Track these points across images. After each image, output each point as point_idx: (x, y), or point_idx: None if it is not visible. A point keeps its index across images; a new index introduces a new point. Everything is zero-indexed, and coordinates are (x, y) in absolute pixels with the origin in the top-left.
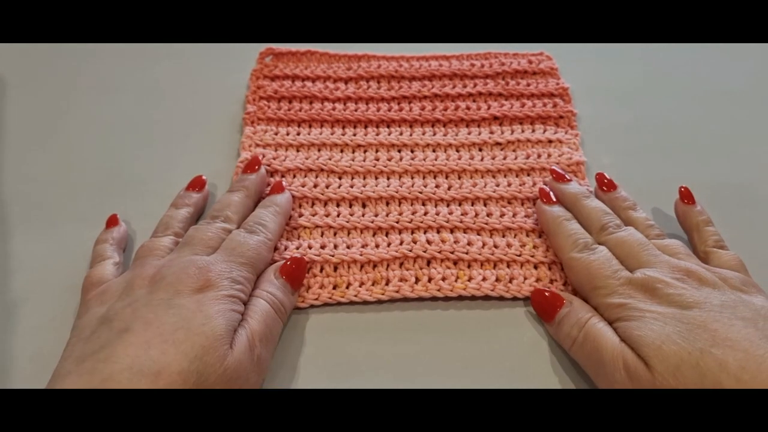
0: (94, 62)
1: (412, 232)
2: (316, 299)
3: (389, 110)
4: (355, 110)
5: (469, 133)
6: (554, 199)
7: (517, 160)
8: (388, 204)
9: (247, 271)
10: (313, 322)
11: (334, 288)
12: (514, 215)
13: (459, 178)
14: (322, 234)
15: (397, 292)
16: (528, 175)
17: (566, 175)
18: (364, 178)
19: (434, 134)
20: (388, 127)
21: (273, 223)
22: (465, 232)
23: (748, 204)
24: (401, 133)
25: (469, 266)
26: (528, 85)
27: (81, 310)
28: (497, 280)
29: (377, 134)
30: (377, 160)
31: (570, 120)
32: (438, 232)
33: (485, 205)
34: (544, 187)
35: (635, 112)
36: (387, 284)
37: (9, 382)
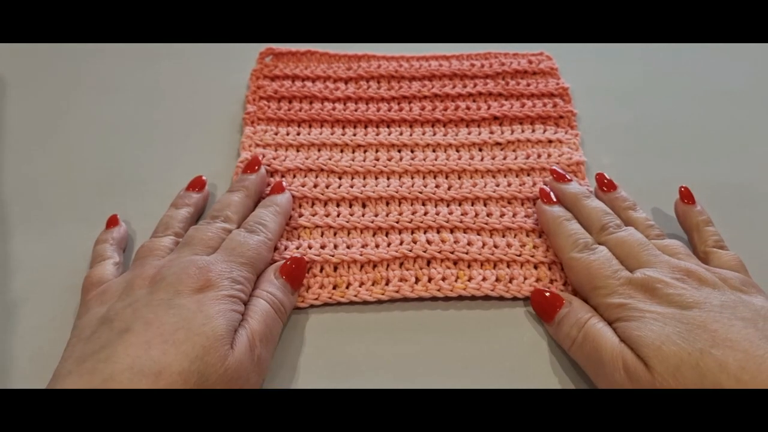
0: (94, 62)
1: (412, 232)
2: (316, 299)
3: (389, 110)
4: (355, 110)
5: (469, 133)
6: (554, 199)
7: (517, 160)
8: (388, 204)
9: (247, 271)
10: (313, 322)
11: (334, 288)
12: (514, 215)
13: (459, 178)
14: (322, 234)
15: (397, 292)
16: (528, 175)
17: (567, 175)
18: (364, 178)
19: (434, 134)
20: (388, 127)
21: (273, 222)
22: (465, 232)
23: (748, 204)
24: (401, 133)
25: (469, 266)
26: (528, 85)
27: (81, 310)
28: (497, 280)
29: (377, 134)
30: (377, 160)
31: (570, 120)
32: (438, 232)
33: (485, 205)
34: (545, 187)
35: (635, 112)
36: (387, 284)
37: (9, 382)
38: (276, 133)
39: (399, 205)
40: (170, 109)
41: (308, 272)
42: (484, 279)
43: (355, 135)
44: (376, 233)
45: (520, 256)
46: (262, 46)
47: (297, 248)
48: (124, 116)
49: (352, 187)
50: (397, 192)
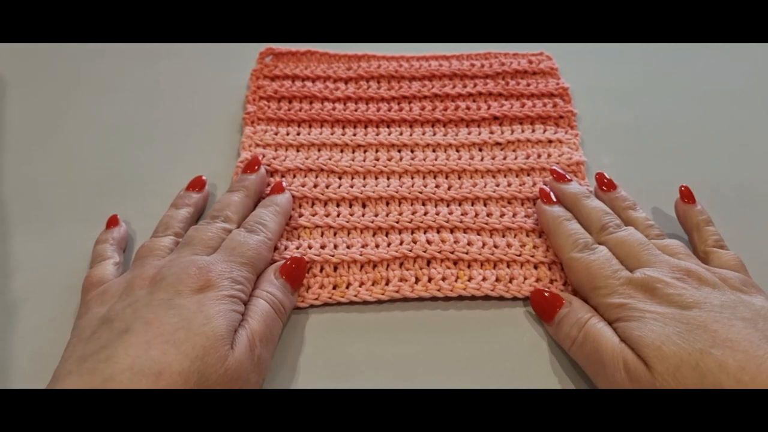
0: (94, 62)
1: (412, 232)
2: (316, 299)
3: (389, 110)
4: (355, 110)
5: (469, 133)
6: (554, 199)
7: (517, 160)
8: (388, 204)
9: (247, 271)
10: (313, 322)
11: (334, 288)
12: (514, 215)
13: (459, 178)
14: (322, 234)
15: (397, 292)
16: (528, 175)
17: (567, 175)
18: (364, 178)
19: (434, 134)
20: (388, 127)
21: (273, 222)
22: (465, 232)
23: (748, 204)
24: (401, 133)
25: (469, 266)
26: (528, 85)
27: (81, 311)
28: (497, 280)
29: (377, 134)
30: (377, 160)
31: (570, 120)
32: (438, 232)
33: (485, 205)
34: (545, 187)
35: (635, 112)
36: (387, 284)
37: (9, 382)
38: (276, 133)
39: (399, 205)
40: (170, 109)
41: (308, 272)
42: (484, 279)
43: (355, 135)
44: (376, 233)
45: (520, 256)
46: (262, 46)
47: (297, 248)
48: (124, 116)
49: (352, 187)
50: (397, 192)
